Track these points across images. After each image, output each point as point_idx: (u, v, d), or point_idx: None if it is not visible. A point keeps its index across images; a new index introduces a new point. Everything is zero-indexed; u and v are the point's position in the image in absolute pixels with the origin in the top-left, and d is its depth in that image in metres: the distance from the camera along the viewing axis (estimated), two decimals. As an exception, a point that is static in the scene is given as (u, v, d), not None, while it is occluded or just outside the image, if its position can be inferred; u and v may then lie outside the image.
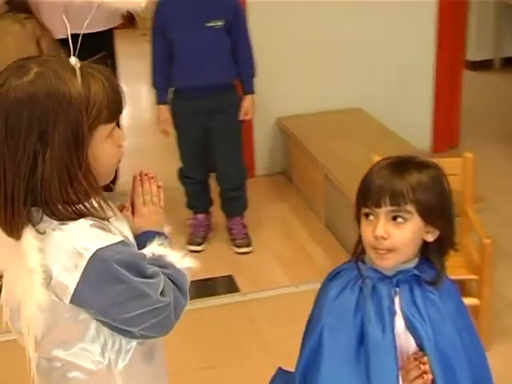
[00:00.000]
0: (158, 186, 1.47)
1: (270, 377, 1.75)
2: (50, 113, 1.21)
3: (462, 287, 2.77)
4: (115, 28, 3.78)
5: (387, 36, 4.33)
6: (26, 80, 1.22)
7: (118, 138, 1.33)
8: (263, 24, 3.98)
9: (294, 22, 4.19)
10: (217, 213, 3.70)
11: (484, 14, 6.10)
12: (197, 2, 3.27)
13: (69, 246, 1.23)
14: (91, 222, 1.26)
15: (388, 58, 4.37)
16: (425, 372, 1.47)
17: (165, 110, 3.43)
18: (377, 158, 1.70)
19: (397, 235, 1.48)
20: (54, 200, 1.24)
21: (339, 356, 1.51)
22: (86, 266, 1.22)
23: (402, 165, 1.52)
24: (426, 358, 1.48)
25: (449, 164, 2.62)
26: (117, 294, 1.25)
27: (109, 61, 1.31)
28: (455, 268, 2.59)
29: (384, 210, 1.48)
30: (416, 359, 1.49)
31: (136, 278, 1.26)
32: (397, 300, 1.52)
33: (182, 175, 3.57)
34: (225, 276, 3.37)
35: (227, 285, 3.31)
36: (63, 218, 1.24)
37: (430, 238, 1.53)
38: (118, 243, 1.26)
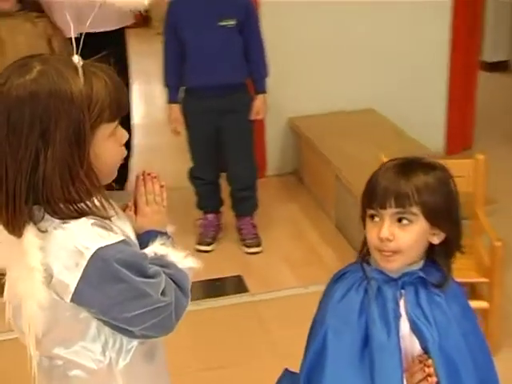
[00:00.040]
0: (161, 186, 1.47)
1: (278, 378, 1.74)
2: (52, 111, 1.21)
3: (473, 290, 2.75)
4: (128, 27, 3.77)
5: (400, 36, 4.31)
6: (28, 78, 1.22)
7: (121, 137, 1.33)
8: (276, 24, 3.96)
9: (306, 22, 4.17)
10: (227, 213, 3.69)
11: (500, 15, 6.06)
12: (209, 2, 3.26)
13: (70, 244, 1.23)
14: (92, 221, 1.26)
15: (401, 58, 4.34)
16: (429, 375, 1.46)
17: (176, 109, 3.43)
18: (384, 159, 1.69)
19: (402, 237, 1.47)
20: (56, 198, 1.24)
21: (343, 358, 1.50)
22: (86, 265, 1.22)
23: (408, 166, 1.50)
24: (430, 361, 1.47)
25: (460, 166, 2.62)
26: (117, 294, 1.25)
27: (112, 59, 1.30)
28: (465, 271, 2.58)
29: (389, 212, 1.47)
30: (421, 362, 1.48)
31: (137, 278, 1.25)
32: (402, 302, 1.51)
33: (192, 176, 3.56)
34: (234, 276, 3.36)
35: (236, 285, 3.30)
36: (65, 216, 1.24)
37: (436, 241, 1.51)
38: (119, 242, 1.26)
